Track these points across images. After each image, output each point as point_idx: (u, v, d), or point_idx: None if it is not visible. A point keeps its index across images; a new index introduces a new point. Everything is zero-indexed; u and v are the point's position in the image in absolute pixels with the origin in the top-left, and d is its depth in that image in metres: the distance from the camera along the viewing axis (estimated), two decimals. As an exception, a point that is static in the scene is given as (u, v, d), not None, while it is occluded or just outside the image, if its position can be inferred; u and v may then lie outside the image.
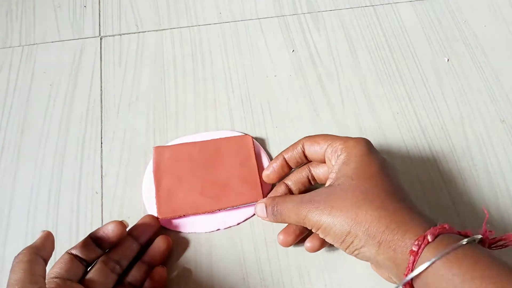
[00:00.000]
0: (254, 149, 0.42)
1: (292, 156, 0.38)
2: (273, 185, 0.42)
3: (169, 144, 0.43)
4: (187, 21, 0.52)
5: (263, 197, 0.40)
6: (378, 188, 0.32)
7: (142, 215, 0.40)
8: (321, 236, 0.33)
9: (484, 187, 0.42)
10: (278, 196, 0.37)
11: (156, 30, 0.51)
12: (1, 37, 0.50)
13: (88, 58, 0.49)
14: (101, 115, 0.45)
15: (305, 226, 0.34)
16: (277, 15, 0.53)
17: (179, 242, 0.39)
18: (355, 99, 0.47)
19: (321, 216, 0.32)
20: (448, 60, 0.50)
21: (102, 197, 0.41)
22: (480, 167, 0.43)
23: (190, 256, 0.38)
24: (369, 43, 0.51)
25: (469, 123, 0.46)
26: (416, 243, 0.28)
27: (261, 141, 0.44)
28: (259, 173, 0.41)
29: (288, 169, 0.39)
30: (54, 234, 0.39)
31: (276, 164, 0.39)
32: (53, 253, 0.38)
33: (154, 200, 0.40)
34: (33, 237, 0.39)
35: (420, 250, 0.28)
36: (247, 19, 0.52)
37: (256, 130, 0.45)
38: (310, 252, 0.37)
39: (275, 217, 0.36)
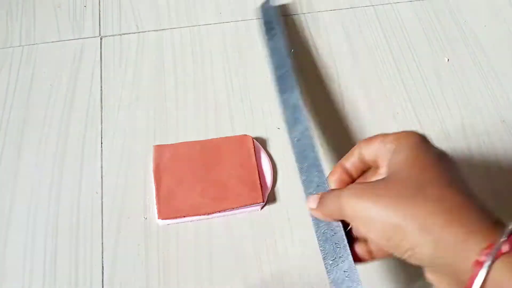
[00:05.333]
0: (255, 150, 0.42)
1: (352, 164, 0.33)
2: (272, 187, 0.42)
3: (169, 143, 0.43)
4: (187, 21, 0.52)
5: (263, 200, 0.40)
6: (436, 179, 0.26)
7: (142, 215, 0.40)
8: (363, 231, 0.28)
9: (484, 187, 0.42)
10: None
11: (156, 30, 0.51)
12: (1, 37, 0.50)
13: (88, 58, 0.49)
14: (101, 115, 0.45)
15: (345, 218, 0.29)
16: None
17: (178, 242, 0.39)
18: (355, 99, 0.47)
19: (364, 203, 0.27)
20: (448, 60, 0.50)
21: (102, 197, 0.41)
22: (480, 167, 0.43)
23: (190, 256, 0.38)
24: (369, 43, 0.51)
25: (469, 123, 0.46)
26: (484, 252, 0.23)
27: (262, 141, 0.44)
28: (259, 174, 0.41)
29: (349, 179, 0.33)
30: (54, 234, 0.39)
31: (335, 178, 0.33)
32: (55, 249, 0.38)
33: (154, 200, 0.40)
34: (33, 237, 0.39)
35: (487, 262, 0.22)
36: (247, 19, 0.52)
37: (256, 130, 0.45)
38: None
39: (321, 208, 0.31)
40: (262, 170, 0.42)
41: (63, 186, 0.41)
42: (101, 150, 0.43)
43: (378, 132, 0.45)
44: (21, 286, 0.37)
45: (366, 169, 0.33)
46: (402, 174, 0.27)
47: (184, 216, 0.39)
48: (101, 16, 0.52)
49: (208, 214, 0.39)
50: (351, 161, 0.33)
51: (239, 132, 0.44)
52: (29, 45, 0.49)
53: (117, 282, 0.37)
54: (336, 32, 0.52)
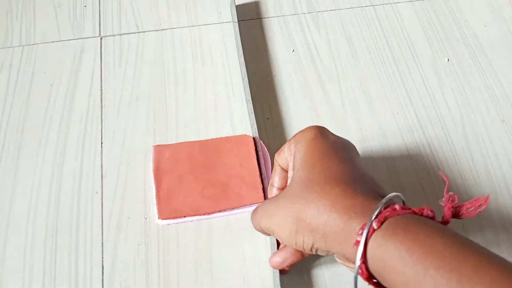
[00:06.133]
0: (256, 149, 0.42)
1: (280, 182, 0.36)
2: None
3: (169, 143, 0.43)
4: (187, 21, 0.52)
5: (264, 199, 0.40)
6: (320, 174, 0.29)
7: (142, 215, 0.40)
8: (280, 241, 0.32)
9: (484, 187, 0.42)
10: None
11: (156, 30, 0.51)
12: (1, 37, 0.50)
13: (88, 58, 0.49)
14: (101, 115, 0.45)
15: (264, 233, 0.34)
16: (277, 15, 0.53)
17: (178, 242, 0.39)
18: (355, 99, 0.47)
19: (270, 218, 0.31)
20: (448, 60, 0.50)
21: (102, 197, 0.41)
22: (480, 167, 0.43)
23: (190, 256, 0.38)
24: (369, 43, 0.51)
25: (469, 123, 0.46)
26: (360, 232, 0.26)
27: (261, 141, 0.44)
28: (260, 174, 0.41)
29: None
30: (54, 234, 0.39)
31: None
32: (55, 249, 0.38)
33: (154, 200, 0.40)
34: (33, 237, 0.39)
35: (363, 240, 0.25)
36: (247, 19, 0.52)
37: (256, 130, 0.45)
38: (275, 268, 0.35)
39: (252, 224, 0.35)
40: (262, 170, 0.42)
41: (63, 186, 0.41)
42: (101, 150, 0.43)
43: (378, 132, 0.45)
44: (21, 286, 0.37)
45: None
46: (296, 175, 0.30)
47: (184, 216, 0.39)
48: (101, 16, 0.52)
49: (208, 214, 0.39)
50: (276, 177, 0.36)
51: (239, 132, 0.44)
52: (29, 45, 0.50)
53: (117, 282, 0.37)
54: (336, 32, 0.52)
